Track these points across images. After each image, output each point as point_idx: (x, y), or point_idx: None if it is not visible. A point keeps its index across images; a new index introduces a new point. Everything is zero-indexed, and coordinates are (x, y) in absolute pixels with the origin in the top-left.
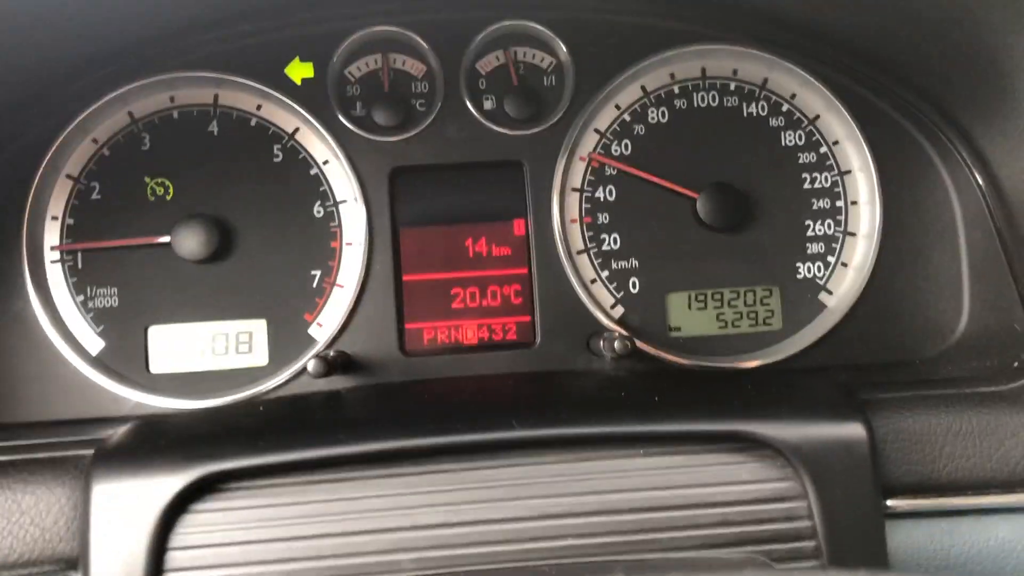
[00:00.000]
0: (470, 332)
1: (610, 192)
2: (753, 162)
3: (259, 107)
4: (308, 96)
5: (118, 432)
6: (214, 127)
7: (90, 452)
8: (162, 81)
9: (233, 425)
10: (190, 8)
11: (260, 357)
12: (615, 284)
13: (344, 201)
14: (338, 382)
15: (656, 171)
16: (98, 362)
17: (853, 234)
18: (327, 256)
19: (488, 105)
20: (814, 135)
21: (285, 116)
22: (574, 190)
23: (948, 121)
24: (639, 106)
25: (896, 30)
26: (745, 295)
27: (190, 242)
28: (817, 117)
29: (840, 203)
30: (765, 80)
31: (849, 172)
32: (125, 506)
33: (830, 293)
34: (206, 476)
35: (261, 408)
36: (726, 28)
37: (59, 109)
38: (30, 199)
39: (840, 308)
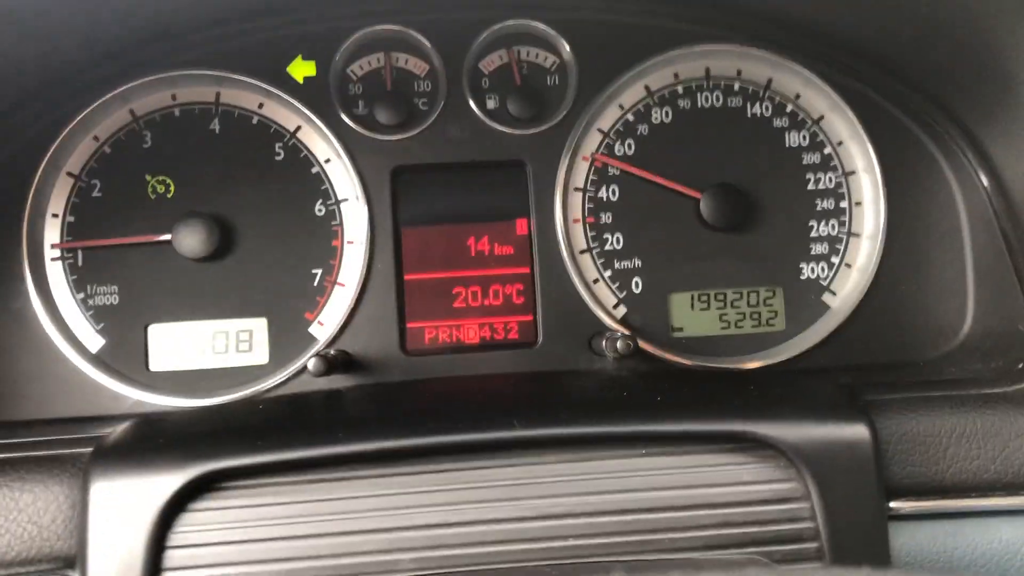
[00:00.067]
0: (472, 331)
1: (613, 192)
2: (757, 162)
3: (261, 105)
4: (310, 95)
5: (117, 430)
6: (216, 125)
7: (89, 450)
8: (164, 79)
9: (232, 424)
10: (193, 6)
11: (260, 356)
12: (618, 284)
13: (345, 200)
14: (339, 381)
15: (659, 171)
16: (98, 360)
17: (857, 235)
18: (328, 255)
19: (491, 104)
20: (818, 136)
21: (287, 114)
22: (577, 190)
23: (953, 122)
24: (643, 106)
25: (900, 31)
26: (748, 296)
27: (191, 240)
28: (821, 118)
29: (844, 204)
30: (769, 80)
31: (853, 173)
32: (123, 504)
33: (834, 294)
34: (204, 475)
35: (260, 407)
36: (730, 28)
37: (60, 106)
38: (31, 196)
39: (844, 309)
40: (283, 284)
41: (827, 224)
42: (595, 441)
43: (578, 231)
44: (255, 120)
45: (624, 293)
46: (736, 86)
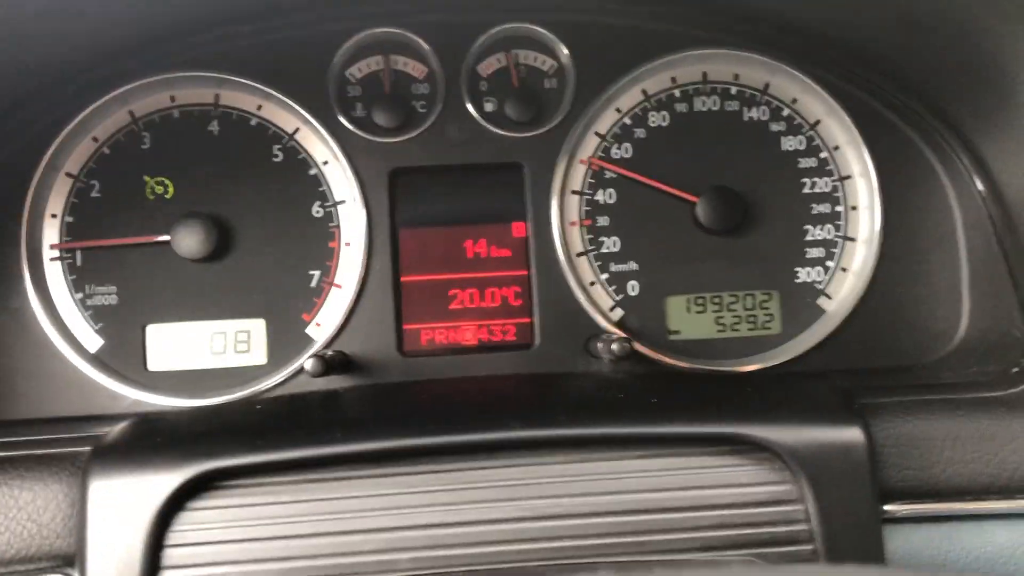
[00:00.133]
0: (469, 333)
1: (610, 195)
2: (753, 167)
3: (259, 107)
4: (308, 97)
5: (115, 429)
6: (214, 127)
7: (87, 449)
8: (163, 81)
9: (230, 423)
10: (192, 8)
11: (258, 356)
12: (614, 287)
13: (343, 202)
14: (336, 382)
15: (656, 175)
16: (96, 360)
17: (853, 239)
18: (326, 256)
19: (489, 107)
20: (814, 140)
21: (285, 116)
22: (574, 192)
23: (948, 127)
24: (640, 109)
25: (896, 36)
26: (744, 299)
27: (189, 241)
28: (818, 122)
29: (840, 208)
30: (766, 85)
31: (849, 177)
32: (122, 503)
33: (829, 298)
34: (203, 473)
35: (258, 407)
36: (727, 33)
37: (60, 107)
38: (30, 197)
39: (839, 313)
40: (281, 285)
41: (823, 228)
42: (591, 442)
43: (575, 234)
44: (253, 122)
45: (621, 296)
46: (733, 90)
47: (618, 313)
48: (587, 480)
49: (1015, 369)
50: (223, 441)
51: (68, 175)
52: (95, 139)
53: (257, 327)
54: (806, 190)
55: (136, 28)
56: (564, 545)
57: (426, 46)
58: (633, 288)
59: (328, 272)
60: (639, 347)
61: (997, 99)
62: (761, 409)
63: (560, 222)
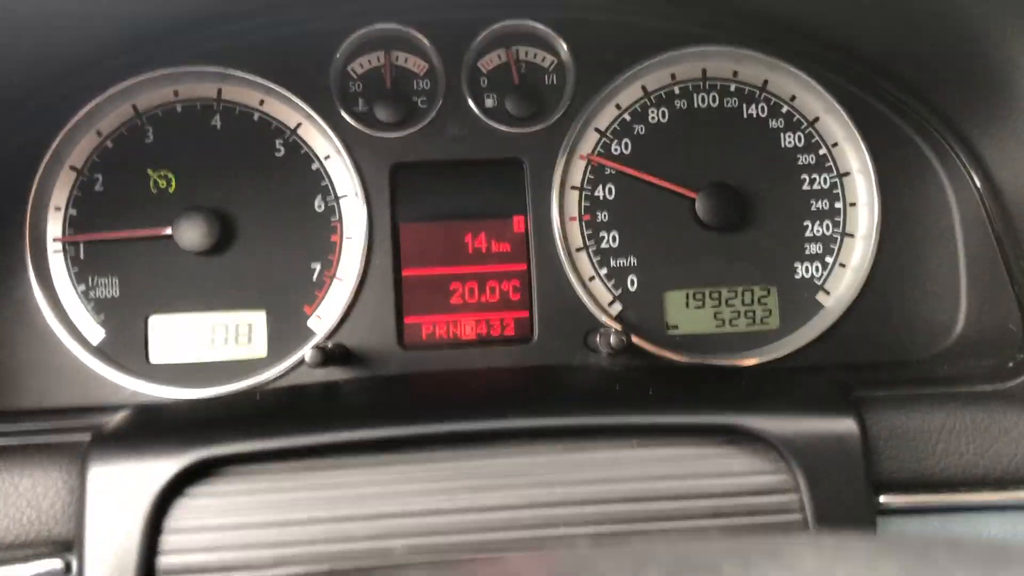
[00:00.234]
0: (468, 327)
1: (610, 191)
2: (752, 163)
3: (262, 102)
4: (311, 92)
5: (116, 418)
6: (217, 121)
7: (88, 438)
8: (166, 75)
9: (230, 412)
10: (196, 4)
11: (259, 348)
12: (613, 281)
13: (345, 196)
14: (336, 374)
15: (656, 171)
16: (98, 351)
17: (851, 235)
18: (327, 250)
19: (489, 103)
20: (813, 137)
21: (287, 111)
22: (574, 188)
23: (946, 124)
24: (639, 106)
25: (894, 33)
26: (743, 294)
27: (191, 233)
28: (816, 119)
29: (839, 204)
30: (765, 82)
31: (848, 174)
32: (121, 489)
33: (828, 293)
34: (202, 460)
35: (258, 397)
36: (727, 30)
37: (63, 101)
38: (34, 190)
39: (837, 308)
40: (282, 278)
41: (821, 224)
42: (587, 432)
43: (574, 229)
44: (256, 117)
45: (620, 291)
46: (732, 87)
47: (617, 308)
48: (582, 469)
49: (1011, 363)
50: (222, 429)
51: (72, 168)
52: (99, 133)
53: (258, 319)
54: (805, 186)
55: (139, 23)
56: (560, 532)
57: (427, 42)
58: (632, 283)
59: (329, 265)
60: (637, 341)
61: (994, 97)
62: (756, 400)
63: (560, 217)
